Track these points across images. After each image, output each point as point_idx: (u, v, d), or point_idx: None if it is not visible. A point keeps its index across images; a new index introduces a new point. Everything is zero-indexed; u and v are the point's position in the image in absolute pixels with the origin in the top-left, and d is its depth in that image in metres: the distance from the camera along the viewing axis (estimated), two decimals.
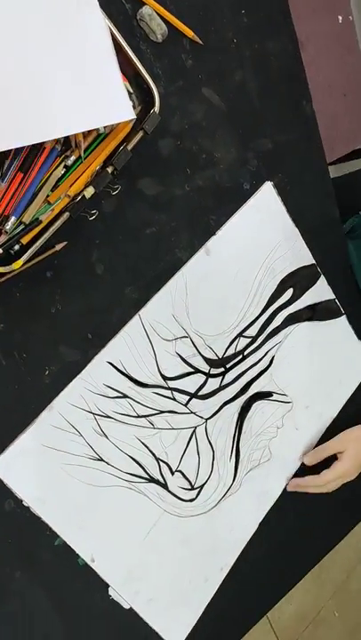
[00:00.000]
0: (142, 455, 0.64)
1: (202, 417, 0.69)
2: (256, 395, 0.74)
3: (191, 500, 0.69)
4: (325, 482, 0.78)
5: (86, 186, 0.55)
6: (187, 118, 0.65)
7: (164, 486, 0.66)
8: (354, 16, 1.19)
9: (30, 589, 0.58)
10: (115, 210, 0.61)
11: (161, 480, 0.66)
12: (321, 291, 0.79)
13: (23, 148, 0.52)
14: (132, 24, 0.60)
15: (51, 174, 0.54)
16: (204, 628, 0.72)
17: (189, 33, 0.64)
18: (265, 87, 0.71)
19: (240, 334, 0.71)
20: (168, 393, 0.66)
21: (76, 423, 0.59)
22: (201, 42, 0.65)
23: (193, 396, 0.68)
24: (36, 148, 0.52)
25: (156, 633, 0.67)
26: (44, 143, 0.52)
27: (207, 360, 0.69)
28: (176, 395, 0.66)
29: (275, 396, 0.76)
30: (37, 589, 0.59)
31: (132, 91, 0.58)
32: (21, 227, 0.53)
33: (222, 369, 0.70)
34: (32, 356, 0.57)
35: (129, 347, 0.62)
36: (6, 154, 0.51)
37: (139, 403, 0.63)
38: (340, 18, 1.21)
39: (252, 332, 0.73)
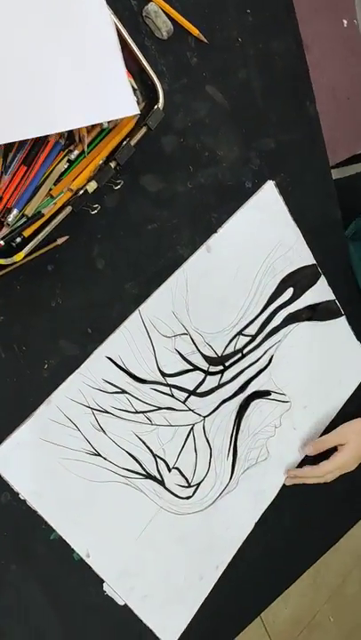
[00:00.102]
0: (140, 451, 0.64)
1: (200, 414, 0.69)
2: (254, 393, 0.74)
3: (188, 498, 0.69)
4: (324, 473, 0.77)
5: (89, 180, 0.55)
6: (190, 116, 0.66)
7: (161, 483, 0.66)
8: (359, 20, 1.20)
9: (25, 583, 0.58)
10: (117, 205, 0.61)
11: (158, 477, 0.66)
12: (321, 291, 0.80)
13: (27, 141, 0.52)
14: (138, 20, 0.61)
15: (54, 168, 0.54)
16: (198, 627, 0.72)
17: (195, 31, 0.64)
18: (269, 86, 0.71)
19: (239, 332, 0.71)
20: (166, 389, 0.66)
21: (73, 417, 0.59)
22: (206, 40, 0.65)
23: (191, 393, 0.68)
24: (40, 142, 0.52)
25: (151, 630, 0.67)
26: (47, 137, 0.52)
27: (206, 358, 0.69)
28: (174, 391, 0.66)
29: (273, 395, 0.76)
30: (32, 583, 0.59)
31: (136, 87, 0.58)
32: (23, 219, 0.53)
33: (221, 367, 0.71)
34: (31, 350, 0.57)
35: (128, 342, 0.62)
36: (10, 146, 0.51)
37: (137, 398, 0.63)
38: (345, 21, 1.21)
39: (252, 330, 0.73)
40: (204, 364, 0.69)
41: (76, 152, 0.55)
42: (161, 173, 0.64)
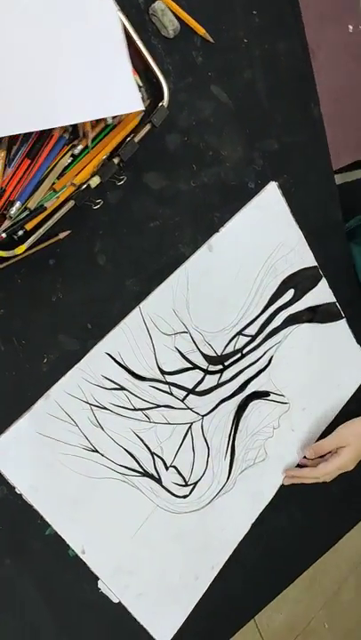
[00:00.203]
0: (137, 448, 0.64)
1: (198, 413, 0.69)
2: (253, 394, 0.74)
3: (185, 497, 0.69)
4: (323, 474, 0.77)
5: (92, 175, 0.55)
6: (195, 115, 0.66)
7: (158, 481, 0.66)
8: None
9: (19, 578, 0.58)
10: (119, 202, 0.61)
11: (155, 475, 0.66)
12: (322, 293, 0.80)
13: (32, 134, 0.52)
14: (145, 18, 0.61)
15: (57, 162, 0.54)
16: (192, 627, 0.71)
17: (201, 30, 0.64)
18: (274, 88, 0.71)
19: (239, 332, 0.71)
20: (165, 387, 0.66)
21: (72, 413, 0.59)
22: (212, 40, 0.65)
23: (190, 391, 0.68)
24: (44, 136, 0.53)
25: (145, 629, 0.67)
26: (52, 131, 0.53)
27: (206, 356, 0.69)
28: (173, 389, 0.66)
29: (272, 396, 0.76)
30: (26, 578, 0.59)
31: (141, 84, 0.58)
32: (26, 212, 0.53)
33: (220, 366, 0.70)
34: (31, 344, 0.57)
35: (128, 339, 0.62)
36: (14, 139, 0.52)
37: (135, 395, 0.63)
38: (350, 27, 1.21)
39: (252, 330, 0.73)
40: (203, 363, 0.69)
41: (80, 147, 0.55)
42: (164, 171, 0.64)
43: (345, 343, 0.84)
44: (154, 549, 0.67)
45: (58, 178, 0.54)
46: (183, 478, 0.68)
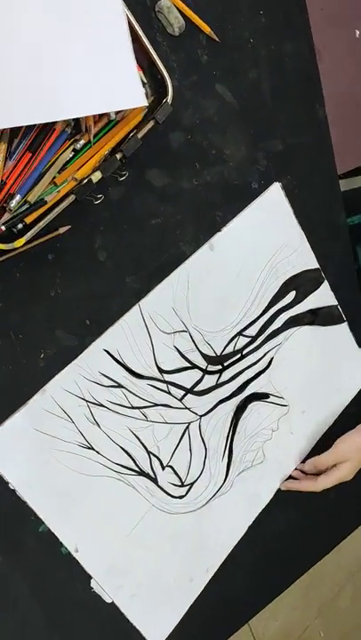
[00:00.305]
0: (133, 447, 0.63)
1: (196, 413, 0.68)
2: (252, 395, 0.73)
3: (181, 497, 0.68)
4: (322, 488, 0.77)
5: (94, 170, 0.55)
6: (199, 113, 0.66)
7: (154, 480, 0.65)
8: None
9: (11, 574, 0.58)
10: (121, 198, 0.61)
11: (151, 474, 0.65)
12: (324, 296, 0.79)
13: (33, 127, 0.52)
14: (150, 15, 0.61)
15: (59, 156, 0.54)
16: (186, 630, 0.70)
17: (206, 29, 0.64)
18: (279, 88, 0.71)
19: (240, 333, 0.71)
20: (163, 386, 0.65)
21: (68, 409, 0.58)
22: (217, 38, 0.65)
23: (188, 391, 0.67)
24: (46, 129, 0.52)
25: (138, 630, 0.66)
26: (54, 124, 0.52)
27: (205, 356, 0.68)
28: (171, 389, 0.66)
29: (271, 398, 0.75)
30: (18, 575, 0.58)
31: (145, 81, 0.58)
32: (26, 206, 0.53)
33: (220, 366, 0.70)
34: (28, 338, 0.56)
35: (127, 336, 0.61)
36: (16, 132, 0.51)
37: (133, 393, 0.63)
38: (357, 32, 1.21)
39: (252, 331, 0.72)
40: (202, 363, 0.68)
41: (82, 142, 0.55)
42: (167, 169, 0.64)
43: (346, 347, 0.84)
44: (148, 550, 0.66)
45: (59, 172, 0.54)
46: (179, 478, 0.68)
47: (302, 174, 0.75)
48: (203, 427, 0.69)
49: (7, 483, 0.56)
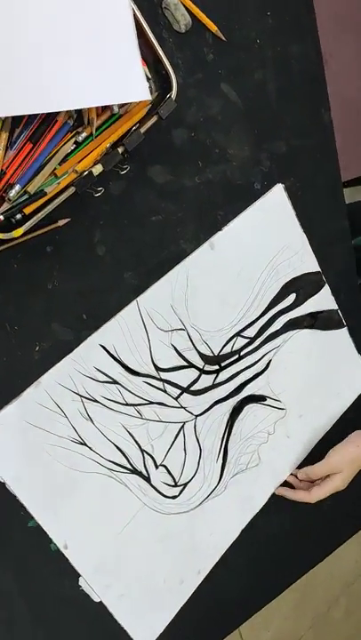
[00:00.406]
0: (127, 445, 0.63)
1: (192, 413, 0.68)
2: (249, 397, 0.73)
3: (174, 497, 0.67)
4: (316, 499, 0.76)
5: (95, 163, 0.55)
6: (203, 111, 0.65)
7: (147, 479, 0.65)
8: None
9: None
10: (122, 193, 0.61)
11: (144, 472, 0.64)
12: (324, 299, 0.78)
13: (36, 118, 0.51)
14: (157, 12, 0.61)
15: (60, 148, 0.54)
16: (175, 633, 0.70)
17: (213, 27, 0.64)
18: (284, 90, 0.71)
19: (238, 334, 0.70)
20: (159, 384, 0.64)
21: (61, 403, 0.58)
22: (224, 38, 0.65)
23: (184, 390, 0.67)
24: (49, 120, 0.52)
25: (125, 631, 0.65)
26: (56, 115, 0.52)
27: (202, 355, 0.68)
28: (167, 387, 0.65)
29: (268, 401, 0.75)
30: (5, 570, 0.57)
31: (150, 76, 0.58)
32: (25, 196, 0.52)
33: (217, 366, 0.69)
34: (24, 330, 0.56)
35: (123, 332, 0.61)
36: (18, 122, 0.51)
37: (128, 390, 0.62)
38: None
39: (251, 332, 0.72)
40: (199, 362, 0.68)
41: (84, 134, 0.55)
42: (169, 166, 0.64)
43: (345, 352, 0.83)
44: (139, 549, 0.65)
45: (60, 164, 0.54)
46: (173, 478, 0.67)
47: (306, 177, 0.75)
48: (198, 427, 0.69)
49: None
